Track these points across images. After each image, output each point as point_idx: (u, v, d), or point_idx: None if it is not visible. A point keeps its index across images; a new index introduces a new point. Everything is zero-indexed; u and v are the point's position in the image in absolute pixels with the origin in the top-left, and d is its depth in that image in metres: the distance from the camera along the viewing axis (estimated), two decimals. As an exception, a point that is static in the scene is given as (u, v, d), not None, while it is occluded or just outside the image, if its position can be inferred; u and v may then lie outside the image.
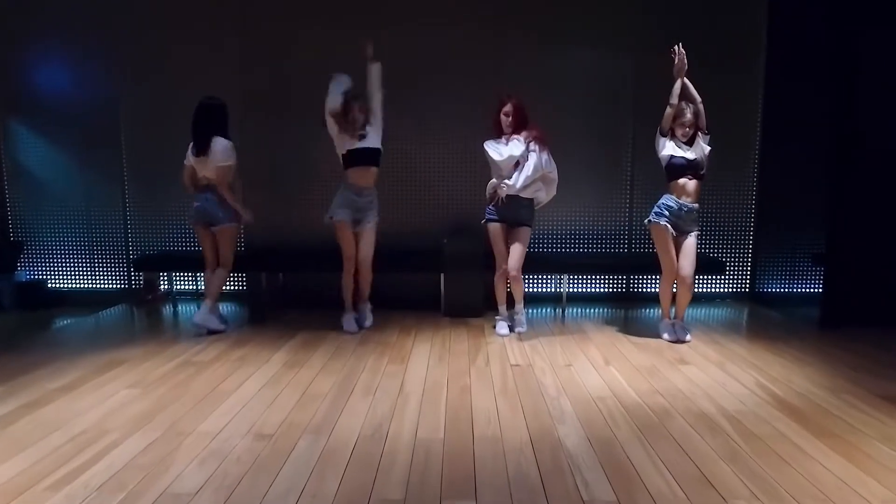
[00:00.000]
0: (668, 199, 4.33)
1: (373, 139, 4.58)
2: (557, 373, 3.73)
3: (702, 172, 4.32)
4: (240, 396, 3.30)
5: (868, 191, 4.68)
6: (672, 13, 5.59)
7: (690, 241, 4.34)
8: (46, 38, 5.73)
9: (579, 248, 5.89)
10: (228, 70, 5.63)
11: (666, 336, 4.45)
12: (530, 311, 5.56)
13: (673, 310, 4.52)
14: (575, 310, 5.60)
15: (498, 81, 5.59)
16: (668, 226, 4.28)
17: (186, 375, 3.65)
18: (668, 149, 4.33)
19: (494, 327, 4.75)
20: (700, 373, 3.72)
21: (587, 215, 5.79)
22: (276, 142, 5.64)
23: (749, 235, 5.88)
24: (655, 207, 4.36)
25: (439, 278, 5.31)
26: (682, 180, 4.30)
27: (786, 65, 5.46)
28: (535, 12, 5.57)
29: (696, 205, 4.35)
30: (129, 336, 4.70)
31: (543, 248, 5.86)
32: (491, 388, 3.45)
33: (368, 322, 4.88)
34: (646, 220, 4.41)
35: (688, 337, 4.43)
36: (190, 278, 6.07)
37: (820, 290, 4.93)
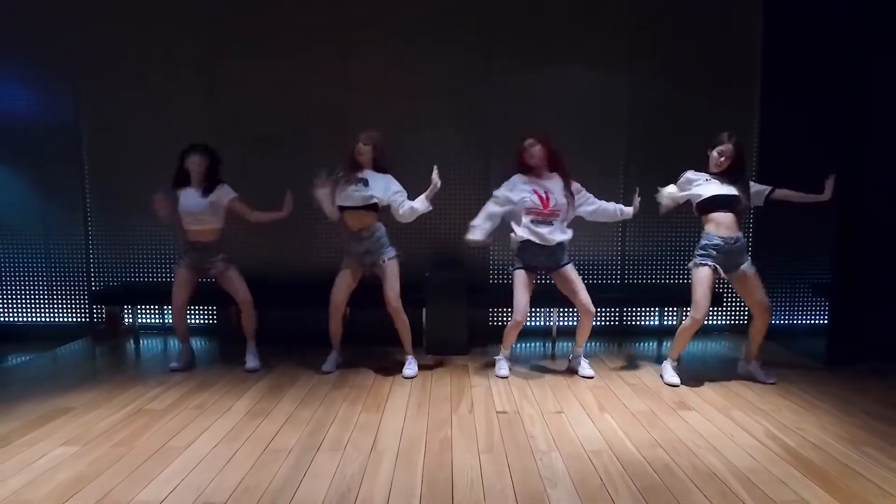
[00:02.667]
0: (711, 238, 3.94)
1: (374, 189, 4.13)
2: (548, 421, 3.39)
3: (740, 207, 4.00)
4: (191, 455, 2.92)
5: (874, 221, 4.44)
6: (665, 42, 5.38)
7: (752, 273, 3.97)
8: (1, 55, 5.41)
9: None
10: (201, 99, 5.34)
11: (673, 381, 4.04)
12: (520, 346, 5.23)
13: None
14: (566, 344, 5.28)
15: (486, 109, 5.35)
16: (718, 267, 3.91)
17: (134, 428, 3.27)
18: (693, 190, 4.04)
19: (494, 366, 4.41)
20: (704, 420, 3.40)
21: (579, 245, 5.49)
22: (250, 177, 5.32)
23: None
24: (699, 249, 3.97)
25: (420, 312, 4.97)
26: (720, 213, 3.95)
27: (781, 94, 5.25)
28: (524, 39, 5.34)
29: (741, 234, 3.98)
30: (83, 377, 4.28)
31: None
32: (475, 441, 3.10)
33: (410, 371, 4.30)
34: (689, 264, 4.02)
35: (773, 378, 4.10)
36: (155, 312, 5.68)
37: (822, 322, 4.65)
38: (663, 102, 5.41)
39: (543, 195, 4.10)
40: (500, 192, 4.18)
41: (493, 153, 5.32)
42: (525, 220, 4.11)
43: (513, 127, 5.10)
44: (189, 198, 4.31)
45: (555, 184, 4.15)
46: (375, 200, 4.13)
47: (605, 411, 3.56)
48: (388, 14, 5.32)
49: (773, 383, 4.03)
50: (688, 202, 4.13)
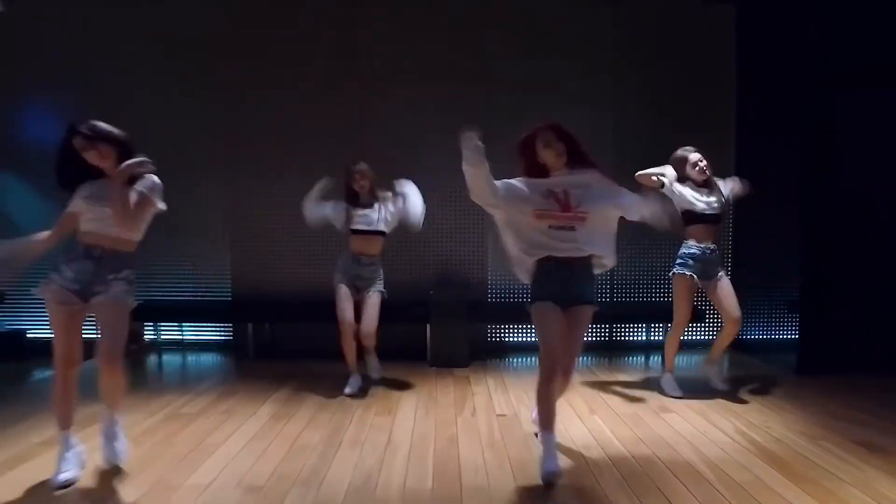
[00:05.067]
0: (690, 247, 4.22)
1: (379, 220, 4.47)
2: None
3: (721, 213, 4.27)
4: (227, 450, 3.30)
5: (840, 240, 4.90)
6: (648, 75, 5.88)
7: (725, 283, 4.23)
8: (27, 92, 5.85)
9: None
10: (205, 124, 5.80)
11: (675, 394, 4.29)
12: (514, 360, 5.62)
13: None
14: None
15: (484, 136, 5.81)
16: (695, 276, 4.17)
17: (172, 429, 3.64)
18: (687, 197, 4.19)
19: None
20: (682, 421, 3.79)
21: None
22: (263, 195, 5.76)
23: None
24: (679, 258, 4.23)
25: (425, 329, 5.37)
26: (702, 225, 4.21)
27: (756, 123, 5.75)
28: (518, 73, 5.83)
29: (715, 245, 4.27)
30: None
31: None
32: (478, 439, 3.49)
33: (375, 374, 4.73)
34: (670, 273, 4.29)
35: (725, 386, 4.38)
36: (175, 328, 6.06)
37: (796, 337, 5.07)
38: (646, 134, 5.89)
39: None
40: None
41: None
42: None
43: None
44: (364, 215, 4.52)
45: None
46: (383, 228, 4.48)
47: (594, 413, 3.95)
48: (399, 61, 5.83)
49: (723, 390, 4.37)
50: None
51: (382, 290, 4.56)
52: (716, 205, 4.23)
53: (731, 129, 5.95)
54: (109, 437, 3.04)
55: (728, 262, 6.02)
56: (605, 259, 3.17)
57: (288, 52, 5.83)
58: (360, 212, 4.49)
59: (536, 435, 3.24)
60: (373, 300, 4.46)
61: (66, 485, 2.79)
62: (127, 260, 2.98)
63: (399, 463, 3.11)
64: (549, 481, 2.81)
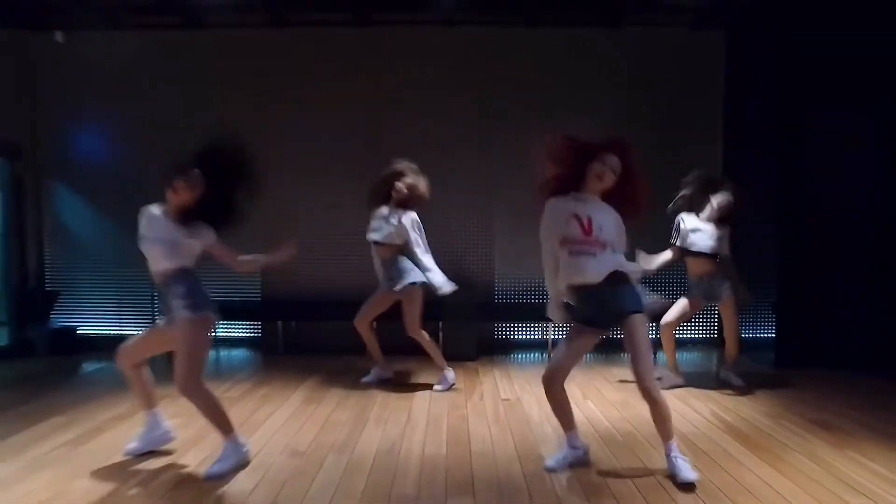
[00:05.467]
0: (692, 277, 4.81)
1: (388, 235, 4.67)
2: (542, 406, 4.29)
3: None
4: (270, 425, 3.87)
5: (814, 247, 5.41)
6: (643, 100, 6.39)
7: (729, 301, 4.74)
8: (86, 113, 6.49)
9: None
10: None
11: (678, 381, 4.78)
12: (519, 355, 6.17)
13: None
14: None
15: (484, 165, 6.40)
16: (700, 297, 4.73)
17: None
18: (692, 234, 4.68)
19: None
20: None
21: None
22: (289, 204, 6.35)
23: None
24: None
25: (437, 326, 5.92)
26: (696, 258, 4.70)
27: (741, 138, 6.28)
28: (516, 116, 6.38)
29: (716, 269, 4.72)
30: (160, 376, 5.22)
31: (532, 298, 6.49)
32: (485, 417, 4.04)
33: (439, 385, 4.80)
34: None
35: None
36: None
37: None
38: (642, 149, 6.42)
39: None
40: None
41: (494, 200, 6.37)
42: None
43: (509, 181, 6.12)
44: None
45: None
46: (389, 241, 4.69)
47: (587, 399, 4.49)
48: (411, 100, 6.43)
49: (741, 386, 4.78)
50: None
51: (407, 284, 4.65)
52: (713, 244, 4.69)
53: (718, 143, 6.48)
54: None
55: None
56: (629, 269, 3.12)
57: (321, 76, 6.44)
58: (376, 223, 4.74)
59: None
60: (405, 296, 4.69)
61: (137, 453, 3.34)
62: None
63: (418, 435, 3.67)
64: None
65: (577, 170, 3.05)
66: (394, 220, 4.66)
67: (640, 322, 3.04)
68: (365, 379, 4.97)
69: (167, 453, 3.36)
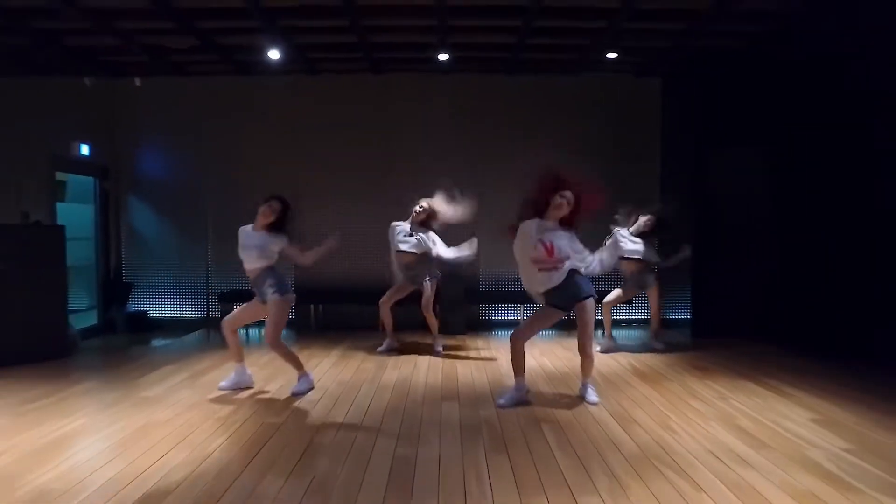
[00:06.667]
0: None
1: (413, 244, 6.20)
2: (510, 363, 6.01)
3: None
4: (319, 369, 5.56)
5: (723, 247, 7.14)
6: (598, 132, 8.10)
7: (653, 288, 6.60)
8: (155, 142, 8.19)
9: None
10: (290, 165, 8.10)
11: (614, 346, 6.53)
12: (498, 332, 7.87)
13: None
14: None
15: (473, 187, 8.10)
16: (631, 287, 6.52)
17: (269, 372, 5.74)
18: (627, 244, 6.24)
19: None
20: (597, 359, 6.00)
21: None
22: (319, 208, 8.04)
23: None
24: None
25: (436, 308, 7.59)
26: (629, 262, 6.39)
27: (675, 161, 7.99)
28: (495, 148, 8.10)
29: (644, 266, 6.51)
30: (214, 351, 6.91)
31: (509, 287, 8.18)
32: (470, 367, 5.75)
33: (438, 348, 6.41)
34: None
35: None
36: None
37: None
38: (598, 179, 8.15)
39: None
40: None
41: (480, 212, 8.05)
42: None
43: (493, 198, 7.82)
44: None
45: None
46: (414, 250, 6.32)
47: (543, 356, 6.19)
48: (411, 142, 8.12)
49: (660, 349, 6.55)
50: None
51: (432, 277, 6.33)
52: (643, 252, 6.38)
53: (657, 165, 8.20)
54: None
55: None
56: (580, 268, 4.48)
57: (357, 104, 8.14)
58: (402, 237, 6.29)
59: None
60: (427, 287, 6.33)
61: (229, 389, 4.98)
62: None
63: (421, 374, 5.40)
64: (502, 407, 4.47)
65: (546, 197, 4.37)
66: (416, 238, 6.20)
67: (589, 305, 4.48)
68: (380, 349, 6.60)
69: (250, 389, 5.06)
